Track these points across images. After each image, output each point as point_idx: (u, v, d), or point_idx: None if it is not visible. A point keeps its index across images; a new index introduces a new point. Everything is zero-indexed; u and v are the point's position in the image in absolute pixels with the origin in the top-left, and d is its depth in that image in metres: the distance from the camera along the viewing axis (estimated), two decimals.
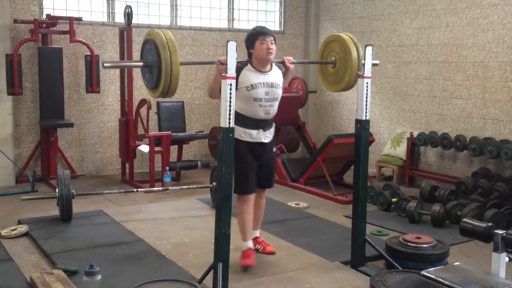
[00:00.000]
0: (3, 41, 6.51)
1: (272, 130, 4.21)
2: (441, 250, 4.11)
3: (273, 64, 4.14)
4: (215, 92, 3.99)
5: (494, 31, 6.24)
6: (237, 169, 3.92)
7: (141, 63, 3.54)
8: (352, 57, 3.99)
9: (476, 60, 6.44)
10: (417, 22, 7.14)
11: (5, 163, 6.58)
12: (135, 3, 7.46)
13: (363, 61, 4.02)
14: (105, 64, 3.41)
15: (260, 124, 4.06)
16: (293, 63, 4.15)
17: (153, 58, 3.36)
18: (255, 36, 4.01)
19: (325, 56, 4.25)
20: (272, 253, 4.42)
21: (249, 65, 4.03)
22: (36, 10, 6.86)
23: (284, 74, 4.22)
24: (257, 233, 4.51)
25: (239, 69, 3.92)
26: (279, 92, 4.10)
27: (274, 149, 4.33)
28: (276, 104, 4.12)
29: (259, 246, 4.45)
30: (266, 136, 4.13)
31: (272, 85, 4.04)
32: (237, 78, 3.88)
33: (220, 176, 3.42)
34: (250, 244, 4.18)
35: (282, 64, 4.17)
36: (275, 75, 4.11)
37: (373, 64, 4.12)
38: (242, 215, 4.15)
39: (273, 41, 4.01)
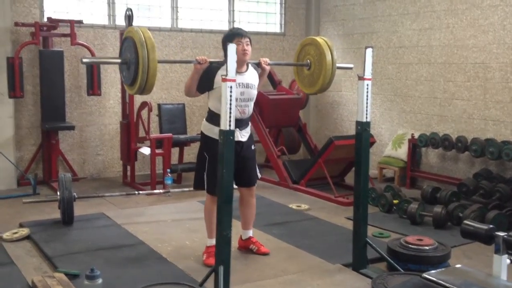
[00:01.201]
0: (4, 44, 6.52)
1: (248, 129, 4.28)
2: (443, 252, 4.11)
3: (250, 65, 4.23)
4: (191, 91, 4.12)
5: (494, 32, 6.24)
6: (211, 168, 4.03)
7: (119, 60, 3.63)
8: (327, 60, 4.14)
9: (477, 61, 6.44)
10: (417, 24, 7.14)
11: (7, 166, 6.59)
12: (136, 5, 7.46)
13: (337, 65, 4.22)
14: (84, 60, 3.54)
15: (236, 123, 4.05)
16: (269, 64, 4.27)
17: (131, 56, 3.43)
18: (231, 37, 4.08)
19: (301, 58, 4.41)
20: (266, 254, 4.42)
21: (225, 65, 4.06)
22: (37, 13, 6.87)
23: (260, 75, 4.33)
24: (250, 233, 4.51)
25: (215, 69, 4.05)
26: (254, 93, 4.20)
27: (253, 147, 4.37)
28: (251, 104, 4.21)
29: (254, 247, 4.46)
30: (242, 135, 4.19)
31: (247, 86, 4.13)
32: (213, 78, 4.00)
33: (220, 179, 3.42)
34: (214, 241, 3.97)
35: (258, 65, 4.28)
36: (251, 76, 4.20)
37: (347, 68, 4.23)
38: (211, 213, 4.06)
39: (248, 42, 4.11)
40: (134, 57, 3.40)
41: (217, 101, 3.95)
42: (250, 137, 4.31)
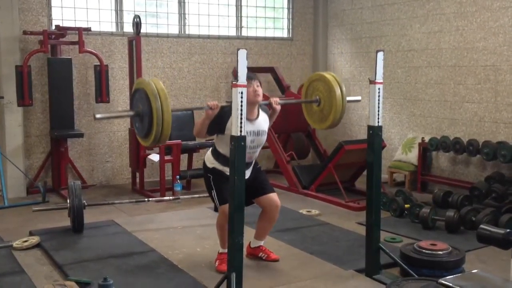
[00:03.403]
0: (13, 52, 6.54)
1: (253, 163, 4.24)
2: (457, 256, 4.06)
3: (260, 110, 4.16)
4: (201, 134, 4.10)
5: (505, 34, 6.19)
6: (217, 184, 4.10)
7: (132, 113, 3.59)
8: (336, 95, 4.12)
9: (487, 64, 6.39)
10: (426, 27, 7.10)
11: (16, 174, 6.59)
12: (144, 12, 7.47)
13: (347, 99, 4.23)
14: (97, 116, 3.48)
15: None
16: (279, 104, 4.21)
17: (144, 107, 3.39)
18: None
19: (310, 94, 4.40)
20: (276, 260, 4.38)
21: None
22: (45, 21, 6.89)
23: (271, 115, 4.29)
24: (262, 242, 4.48)
25: (227, 114, 3.86)
26: (263, 139, 4.19)
27: (258, 166, 4.36)
28: (259, 150, 4.21)
29: (263, 254, 4.42)
30: (249, 172, 4.13)
31: (258, 133, 4.11)
32: (225, 123, 3.96)
33: (232, 186, 3.38)
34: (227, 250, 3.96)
35: (268, 107, 4.24)
36: (262, 122, 4.16)
37: (355, 101, 4.18)
38: (223, 226, 4.00)
39: (259, 84, 4.07)
40: (147, 109, 3.35)
41: (227, 145, 3.76)
42: (255, 162, 4.29)
